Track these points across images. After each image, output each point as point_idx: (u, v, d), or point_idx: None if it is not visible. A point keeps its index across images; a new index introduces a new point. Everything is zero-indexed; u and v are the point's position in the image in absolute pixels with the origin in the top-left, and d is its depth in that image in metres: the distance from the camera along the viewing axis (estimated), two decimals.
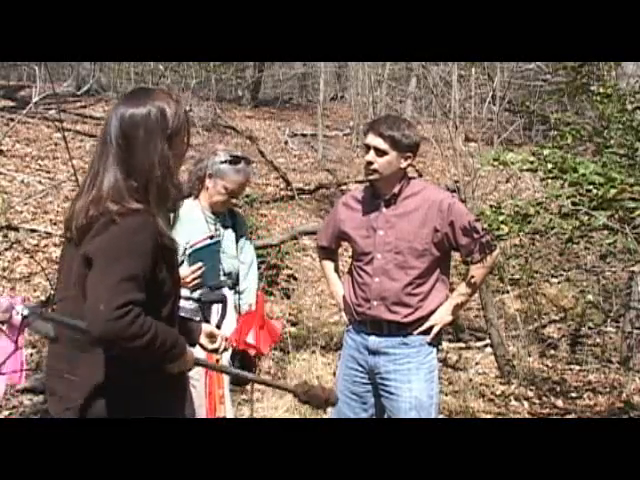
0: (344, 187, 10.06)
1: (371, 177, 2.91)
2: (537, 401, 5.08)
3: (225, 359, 3.11)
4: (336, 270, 3.27)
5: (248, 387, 4.36)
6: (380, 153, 2.85)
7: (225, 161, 3.14)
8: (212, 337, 2.22)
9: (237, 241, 3.33)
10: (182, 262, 3.04)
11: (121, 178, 1.84)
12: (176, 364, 1.87)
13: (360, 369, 3.01)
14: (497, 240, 2.84)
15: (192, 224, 3.17)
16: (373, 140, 2.86)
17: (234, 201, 3.25)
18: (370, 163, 2.87)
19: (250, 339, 3.03)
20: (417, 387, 2.89)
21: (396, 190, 2.92)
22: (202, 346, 2.22)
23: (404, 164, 2.90)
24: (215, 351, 2.25)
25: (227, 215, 3.32)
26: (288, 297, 6.86)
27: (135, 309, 1.71)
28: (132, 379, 1.82)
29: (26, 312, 1.73)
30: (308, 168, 11.30)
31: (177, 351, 1.84)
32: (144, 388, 1.84)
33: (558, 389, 5.32)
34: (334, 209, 3.25)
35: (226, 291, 3.19)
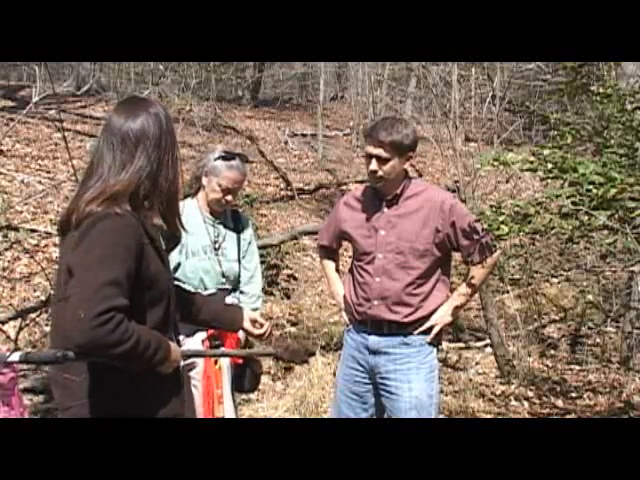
0: (344, 187, 10.07)
1: (378, 184, 2.90)
2: (537, 401, 5.07)
3: (225, 364, 3.09)
4: (337, 270, 3.27)
5: (252, 395, 4.37)
6: (383, 161, 2.84)
7: (218, 157, 3.10)
8: (256, 323, 2.36)
9: (239, 244, 3.24)
10: (179, 263, 3.03)
11: (113, 182, 1.82)
12: (163, 366, 1.85)
13: (360, 369, 3.01)
14: (497, 240, 2.84)
15: (189, 224, 3.15)
16: (374, 150, 2.85)
17: (229, 198, 3.17)
18: (375, 172, 2.87)
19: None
20: (417, 387, 2.89)
21: (398, 190, 2.93)
22: (247, 331, 2.37)
23: (407, 164, 2.92)
24: (261, 337, 2.40)
25: (229, 216, 3.24)
26: (288, 297, 6.86)
27: (117, 315, 1.66)
28: (125, 381, 1.81)
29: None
30: (308, 168, 11.30)
31: (161, 353, 1.81)
32: (139, 389, 1.84)
33: (558, 389, 5.32)
34: (335, 208, 3.24)
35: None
